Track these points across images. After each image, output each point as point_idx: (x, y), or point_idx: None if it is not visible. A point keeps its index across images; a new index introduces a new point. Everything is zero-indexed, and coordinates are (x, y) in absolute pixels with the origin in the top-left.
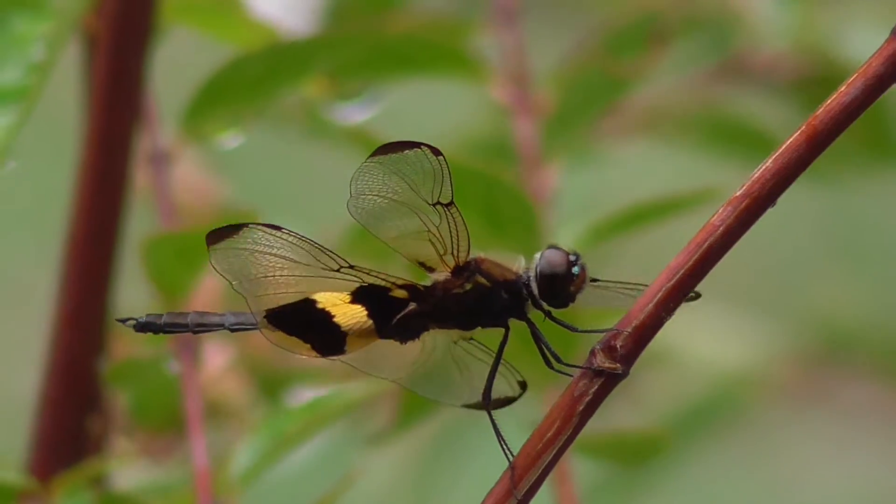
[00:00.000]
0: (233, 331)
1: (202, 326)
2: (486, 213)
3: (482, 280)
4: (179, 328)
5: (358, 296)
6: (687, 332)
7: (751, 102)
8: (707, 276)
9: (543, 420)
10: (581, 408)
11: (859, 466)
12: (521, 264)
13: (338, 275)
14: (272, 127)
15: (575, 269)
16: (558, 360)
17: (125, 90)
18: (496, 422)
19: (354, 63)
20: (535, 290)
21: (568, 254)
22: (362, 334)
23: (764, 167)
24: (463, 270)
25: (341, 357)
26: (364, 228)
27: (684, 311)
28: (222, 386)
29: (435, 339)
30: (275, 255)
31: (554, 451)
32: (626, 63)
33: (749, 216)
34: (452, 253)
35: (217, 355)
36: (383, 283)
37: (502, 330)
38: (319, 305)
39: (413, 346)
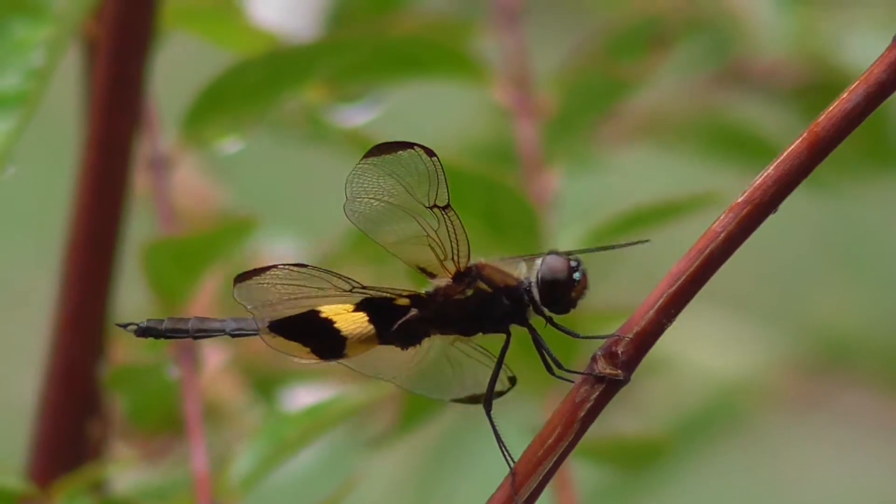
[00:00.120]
0: (234, 336)
1: (203, 332)
2: (487, 216)
3: (483, 286)
4: (180, 333)
5: (361, 304)
6: (687, 338)
7: (751, 109)
8: (707, 283)
9: (545, 426)
10: (582, 414)
11: (859, 473)
12: (522, 270)
13: (349, 295)
14: (272, 134)
15: (576, 275)
16: (559, 366)
17: (125, 95)
18: (497, 427)
19: (356, 65)
20: (537, 296)
21: (569, 259)
22: (363, 340)
23: (765, 174)
24: (464, 276)
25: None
26: (362, 233)
27: (684, 318)
28: (218, 387)
29: (432, 340)
30: (293, 284)
31: (555, 458)
32: (627, 66)
33: (750, 223)
34: (453, 258)
35: (212, 357)
36: (388, 296)
37: (503, 336)
38: (323, 315)
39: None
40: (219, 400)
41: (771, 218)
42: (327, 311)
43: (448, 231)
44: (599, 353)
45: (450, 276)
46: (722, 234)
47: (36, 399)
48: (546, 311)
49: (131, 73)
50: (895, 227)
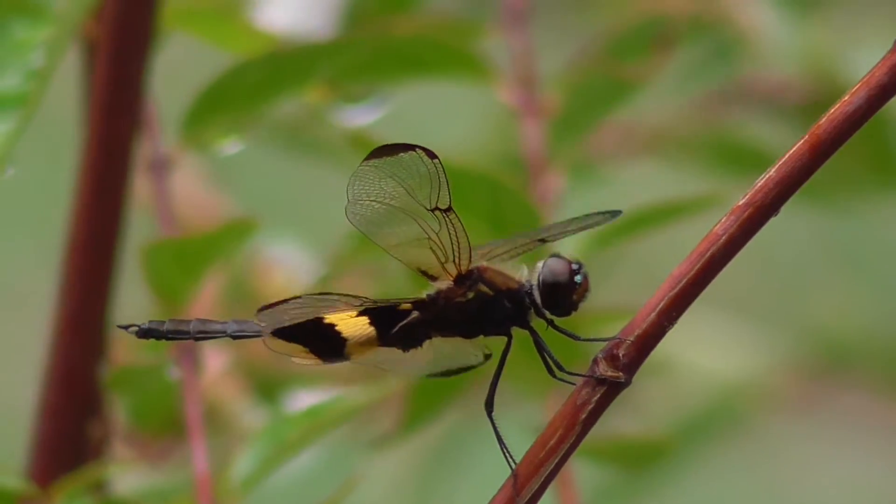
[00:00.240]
0: (235, 338)
1: (204, 333)
2: (491, 217)
3: (484, 289)
4: (181, 335)
5: (364, 310)
6: (688, 340)
7: (757, 125)
8: (708, 285)
9: (546, 428)
10: (584, 416)
11: (859, 474)
12: (523, 273)
13: (358, 308)
14: (274, 141)
15: (577, 278)
16: (561, 368)
17: (125, 96)
18: (498, 428)
19: (360, 66)
20: (538, 299)
21: (570, 262)
22: (364, 342)
23: (767, 176)
24: (465, 279)
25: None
26: (364, 236)
27: (686, 320)
28: (219, 390)
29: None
30: (310, 308)
31: (557, 459)
32: (631, 67)
33: (752, 225)
34: (454, 261)
35: (214, 359)
36: (391, 304)
37: (505, 338)
38: (326, 321)
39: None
40: (221, 403)
41: (772, 220)
42: (330, 317)
43: (449, 233)
44: (601, 355)
45: (451, 278)
46: (723, 237)
47: (36, 400)
48: (547, 313)
49: (131, 74)
50: (894, 229)
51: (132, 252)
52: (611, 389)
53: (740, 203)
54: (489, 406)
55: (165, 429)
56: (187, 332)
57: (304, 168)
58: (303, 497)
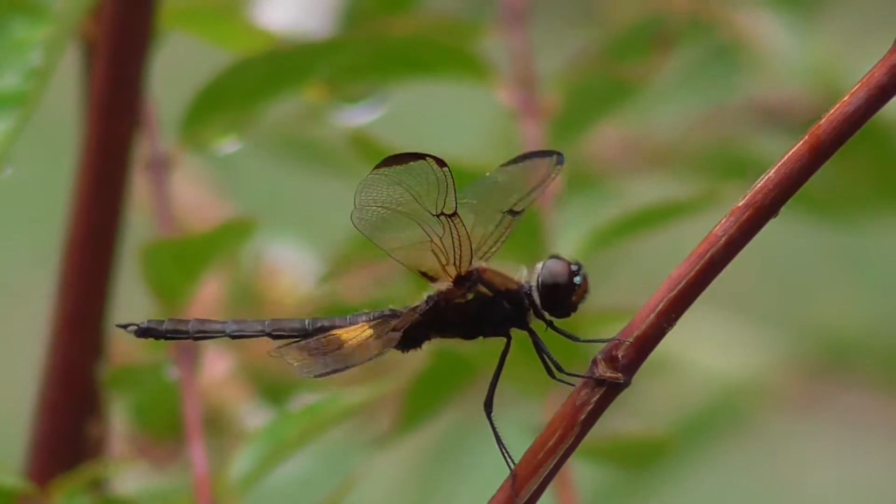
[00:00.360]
0: (234, 338)
1: (203, 333)
2: None
3: (484, 290)
4: (180, 335)
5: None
6: (689, 339)
7: (764, 141)
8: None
9: (545, 429)
10: (583, 417)
11: (860, 472)
12: (523, 274)
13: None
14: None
15: (577, 279)
16: (560, 369)
17: (124, 96)
18: (497, 429)
19: (359, 65)
20: (537, 300)
21: (570, 263)
22: (363, 344)
23: (766, 177)
24: (465, 280)
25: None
26: (368, 239)
27: (686, 319)
28: (224, 392)
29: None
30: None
31: (555, 460)
32: (631, 67)
33: (751, 226)
34: (455, 263)
35: (218, 362)
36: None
37: (504, 339)
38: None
39: None
40: (225, 406)
41: (771, 220)
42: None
43: (452, 238)
44: (600, 356)
45: (451, 279)
46: (723, 238)
47: (35, 398)
48: (546, 314)
49: (130, 74)
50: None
51: (131, 252)
52: (610, 390)
53: (740, 204)
54: (488, 407)
55: (165, 428)
56: (186, 332)
57: (305, 169)
58: (302, 497)
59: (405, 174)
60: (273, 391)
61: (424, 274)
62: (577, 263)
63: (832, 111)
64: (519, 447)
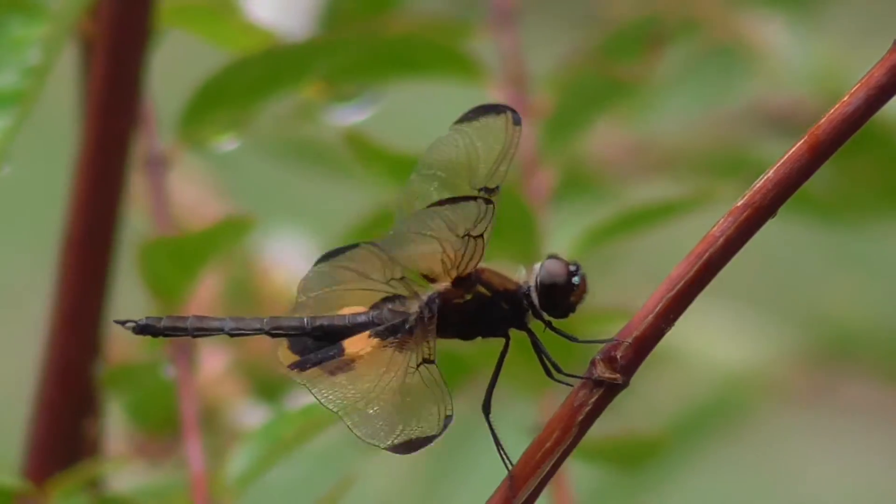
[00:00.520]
0: (232, 335)
1: (201, 330)
2: None
3: (482, 290)
4: (178, 332)
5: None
6: (692, 331)
7: (770, 145)
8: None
9: (543, 430)
10: (580, 418)
11: (863, 467)
12: (521, 274)
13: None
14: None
15: (575, 280)
16: (558, 369)
17: (122, 93)
18: (495, 430)
19: (352, 65)
20: (536, 301)
21: (568, 264)
22: (362, 345)
23: (765, 177)
24: (463, 280)
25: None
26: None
27: (689, 311)
28: (220, 390)
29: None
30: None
31: (553, 460)
32: (624, 66)
33: (750, 227)
34: (458, 268)
35: (215, 359)
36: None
37: (502, 340)
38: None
39: None
40: (221, 403)
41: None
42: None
43: (465, 253)
44: (598, 357)
45: (449, 280)
46: (721, 239)
47: (32, 397)
48: (545, 315)
49: (128, 72)
50: None
51: (129, 250)
52: (608, 391)
53: (738, 204)
54: (486, 407)
55: (165, 427)
56: (184, 329)
57: (301, 168)
58: (298, 496)
59: (452, 211)
60: (269, 388)
61: (424, 275)
62: (575, 264)
63: (832, 111)
64: (517, 448)
